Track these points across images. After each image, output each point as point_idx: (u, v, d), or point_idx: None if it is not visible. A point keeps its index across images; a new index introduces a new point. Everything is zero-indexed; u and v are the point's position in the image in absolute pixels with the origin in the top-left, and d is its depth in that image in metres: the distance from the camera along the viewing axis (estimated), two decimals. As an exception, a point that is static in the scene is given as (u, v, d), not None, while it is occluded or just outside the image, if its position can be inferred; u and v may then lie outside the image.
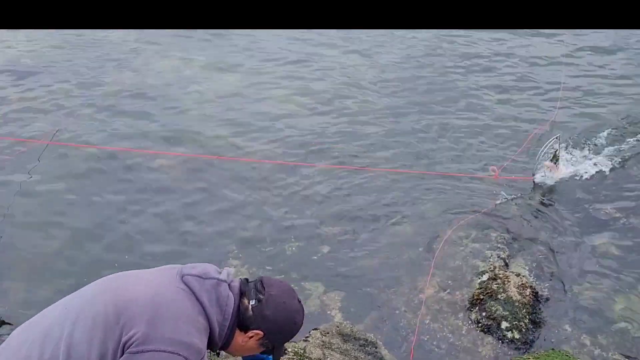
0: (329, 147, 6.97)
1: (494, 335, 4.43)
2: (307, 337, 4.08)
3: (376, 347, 4.22)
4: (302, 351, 3.81)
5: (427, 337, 4.47)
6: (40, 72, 8.75)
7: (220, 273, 2.14)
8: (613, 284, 4.96)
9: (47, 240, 5.36)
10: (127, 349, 1.87)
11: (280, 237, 5.43)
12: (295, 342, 3.89)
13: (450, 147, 7.01)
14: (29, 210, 5.76)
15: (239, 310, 2.10)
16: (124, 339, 1.87)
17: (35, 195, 5.95)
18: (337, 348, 4.05)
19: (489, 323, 4.49)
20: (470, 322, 4.54)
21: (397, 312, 4.70)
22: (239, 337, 2.14)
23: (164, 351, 1.86)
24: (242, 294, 2.14)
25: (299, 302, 2.25)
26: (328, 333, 4.17)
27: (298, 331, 2.27)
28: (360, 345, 4.18)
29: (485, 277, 4.86)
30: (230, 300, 2.07)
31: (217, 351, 2.19)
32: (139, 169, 6.46)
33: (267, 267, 5.00)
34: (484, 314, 4.55)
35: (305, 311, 4.48)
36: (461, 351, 4.36)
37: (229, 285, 2.11)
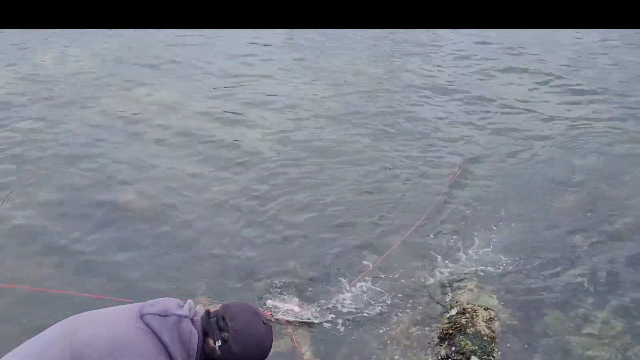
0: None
1: (465, 371, 4.43)
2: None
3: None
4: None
5: (399, 374, 4.45)
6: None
7: (182, 307, 2.07)
8: (584, 311, 5.01)
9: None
10: None
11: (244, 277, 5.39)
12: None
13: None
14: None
15: (204, 347, 2.05)
16: None
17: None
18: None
19: (458, 358, 4.48)
20: (439, 357, 4.53)
21: (367, 347, 4.67)
22: None
23: None
24: (205, 330, 2.08)
25: (265, 323, 2.19)
26: (296, 377, 4.13)
27: (269, 352, 2.19)
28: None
29: (454, 312, 4.87)
30: (194, 337, 2.01)
31: None
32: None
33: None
34: (453, 348, 4.55)
35: (275, 352, 4.50)
36: (431, 388, 4.35)
37: (191, 320, 2.06)
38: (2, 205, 6.18)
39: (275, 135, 8.04)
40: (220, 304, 2.26)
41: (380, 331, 4.82)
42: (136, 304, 2.10)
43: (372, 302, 5.09)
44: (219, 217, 6.23)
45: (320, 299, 5.08)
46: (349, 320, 4.91)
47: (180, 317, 2.02)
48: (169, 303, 2.07)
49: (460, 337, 4.59)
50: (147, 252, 5.59)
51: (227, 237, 5.89)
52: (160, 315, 2.00)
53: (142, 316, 1.99)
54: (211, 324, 2.08)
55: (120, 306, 2.11)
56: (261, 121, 8.45)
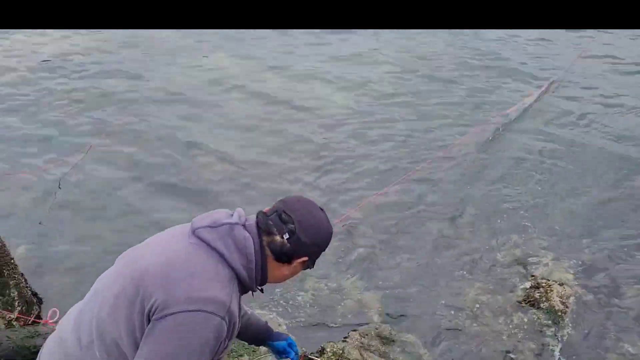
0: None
1: (536, 342, 4.35)
2: (346, 338, 4.09)
3: (415, 348, 4.21)
4: (340, 351, 3.82)
5: (468, 340, 4.42)
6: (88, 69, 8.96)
7: (232, 216, 2.06)
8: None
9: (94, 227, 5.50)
10: (151, 318, 1.85)
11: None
12: (334, 342, 3.90)
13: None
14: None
15: (263, 250, 2.03)
16: (146, 310, 1.85)
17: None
18: (375, 350, 4.05)
19: (531, 330, 4.42)
20: (511, 327, 4.47)
21: (437, 314, 4.66)
22: (282, 269, 2.08)
23: (184, 311, 1.82)
24: (262, 229, 2.05)
25: (322, 210, 2.15)
26: (367, 335, 4.17)
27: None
28: (400, 348, 4.18)
29: (527, 285, 4.78)
30: (249, 242, 1.99)
31: (258, 289, 2.12)
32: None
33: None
34: (525, 320, 4.48)
35: (344, 311, 4.56)
36: (502, 356, 4.30)
37: (243, 226, 2.04)
38: (82, 158, 6.50)
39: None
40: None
41: (452, 298, 4.78)
42: (186, 224, 2.10)
43: (444, 266, 5.06)
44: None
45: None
46: (419, 284, 4.91)
47: (232, 225, 2.01)
48: (218, 214, 2.06)
49: (534, 310, 4.52)
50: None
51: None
52: (211, 226, 2.00)
53: (193, 231, 2.00)
54: (273, 221, 2.04)
55: (172, 228, 2.13)
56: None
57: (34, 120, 7.38)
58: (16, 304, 4.21)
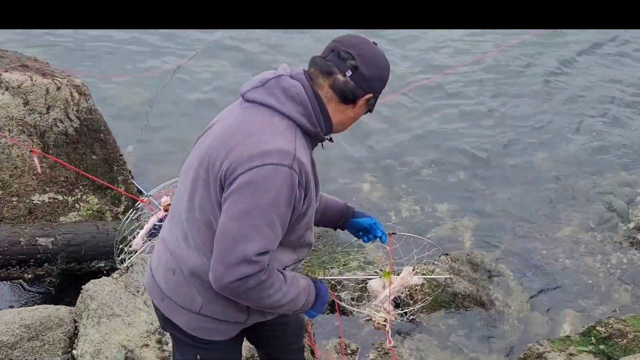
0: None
1: (633, 284, 4.21)
2: (436, 261, 4.09)
3: (505, 279, 4.18)
4: (430, 273, 3.83)
5: (561, 275, 4.33)
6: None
7: (276, 70, 2.01)
8: None
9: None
10: (225, 186, 1.88)
11: (416, 160, 5.39)
12: (424, 265, 3.90)
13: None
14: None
15: (316, 93, 1.96)
16: (218, 184, 1.89)
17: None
18: (465, 275, 4.04)
19: (630, 271, 4.27)
20: (609, 266, 4.33)
21: (530, 246, 4.57)
22: (346, 112, 2.01)
23: (250, 169, 1.82)
24: (322, 71, 1.97)
25: (375, 43, 2.04)
26: (458, 260, 4.16)
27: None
28: (489, 276, 4.15)
29: (631, 225, 4.58)
30: (298, 88, 1.93)
31: (327, 139, 2.05)
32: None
33: (402, 186, 5.00)
34: (625, 260, 4.32)
35: (437, 235, 4.55)
36: (596, 294, 4.19)
37: (290, 76, 1.97)
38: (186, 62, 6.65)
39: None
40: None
41: (547, 231, 4.67)
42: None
43: (542, 200, 4.92)
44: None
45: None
46: (513, 214, 4.81)
47: (277, 78, 1.95)
48: (263, 74, 2.01)
49: (634, 251, 4.34)
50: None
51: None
52: (257, 86, 1.97)
53: (243, 96, 1.98)
54: (331, 60, 1.96)
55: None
56: None
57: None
58: (122, 198, 4.47)
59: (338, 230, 2.47)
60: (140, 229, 3.48)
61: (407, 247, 3.02)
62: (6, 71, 4.21)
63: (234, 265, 1.80)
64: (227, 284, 1.82)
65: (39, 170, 3.78)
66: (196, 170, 1.96)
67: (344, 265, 3.94)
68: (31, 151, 3.75)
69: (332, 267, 3.93)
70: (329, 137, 2.05)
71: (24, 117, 4.06)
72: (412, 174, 5.17)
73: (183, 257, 2.02)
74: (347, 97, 1.96)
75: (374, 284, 3.10)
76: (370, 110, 2.05)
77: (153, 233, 3.45)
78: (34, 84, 4.12)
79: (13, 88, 4.09)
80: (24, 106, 4.07)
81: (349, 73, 1.94)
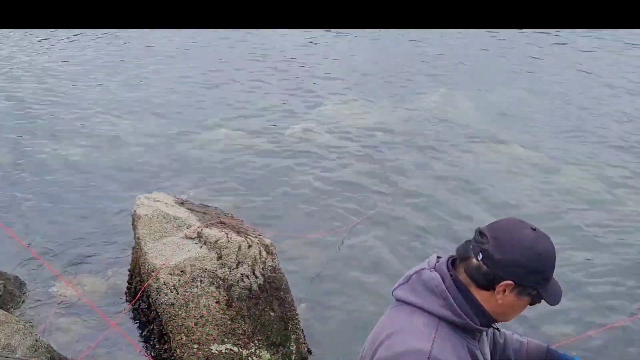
0: None
1: None
2: None
3: None
4: None
5: None
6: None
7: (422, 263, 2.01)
8: None
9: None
10: None
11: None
12: None
13: None
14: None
15: (458, 280, 1.89)
16: None
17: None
18: None
19: None
20: None
21: None
22: (492, 300, 1.87)
23: None
24: (460, 256, 1.91)
25: (533, 229, 1.86)
26: None
27: (552, 260, 1.87)
28: None
29: None
30: (436, 280, 1.88)
31: (491, 327, 1.98)
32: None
33: None
34: None
35: None
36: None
37: (433, 268, 1.94)
38: (355, 224, 6.80)
39: None
40: None
41: None
42: None
43: None
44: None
45: None
46: None
47: (419, 272, 1.94)
48: (412, 270, 2.00)
49: None
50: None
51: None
52: (402, 283, 1.97)
53: (393, 294, 2.00)
54: (472, 244, 1.89)
55: None
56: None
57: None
58: (293, 357, 4.55)
59: None
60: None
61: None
62: (207, 227, 4.68)
63: None
64: None
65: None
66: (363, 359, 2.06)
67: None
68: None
69: None
70: (494, 327, 2.00)
71: (216, 270, 4.42)
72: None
73: None
74: (479, 282, 1.88)
75: None
76: (533, 301, 1.91)
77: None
78: (228, 241, 4.52)
79: (210, 243, 4.51)
80: (217, 260, 4.45)
81: (480, 256, 1.86)
